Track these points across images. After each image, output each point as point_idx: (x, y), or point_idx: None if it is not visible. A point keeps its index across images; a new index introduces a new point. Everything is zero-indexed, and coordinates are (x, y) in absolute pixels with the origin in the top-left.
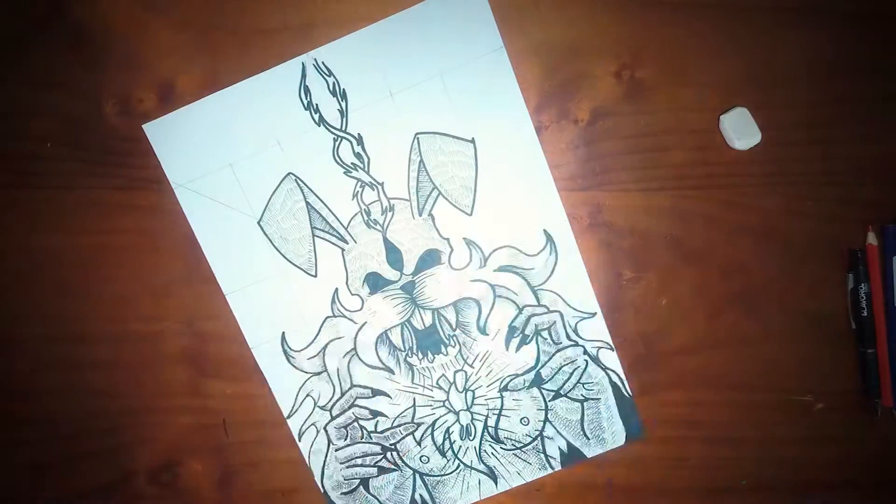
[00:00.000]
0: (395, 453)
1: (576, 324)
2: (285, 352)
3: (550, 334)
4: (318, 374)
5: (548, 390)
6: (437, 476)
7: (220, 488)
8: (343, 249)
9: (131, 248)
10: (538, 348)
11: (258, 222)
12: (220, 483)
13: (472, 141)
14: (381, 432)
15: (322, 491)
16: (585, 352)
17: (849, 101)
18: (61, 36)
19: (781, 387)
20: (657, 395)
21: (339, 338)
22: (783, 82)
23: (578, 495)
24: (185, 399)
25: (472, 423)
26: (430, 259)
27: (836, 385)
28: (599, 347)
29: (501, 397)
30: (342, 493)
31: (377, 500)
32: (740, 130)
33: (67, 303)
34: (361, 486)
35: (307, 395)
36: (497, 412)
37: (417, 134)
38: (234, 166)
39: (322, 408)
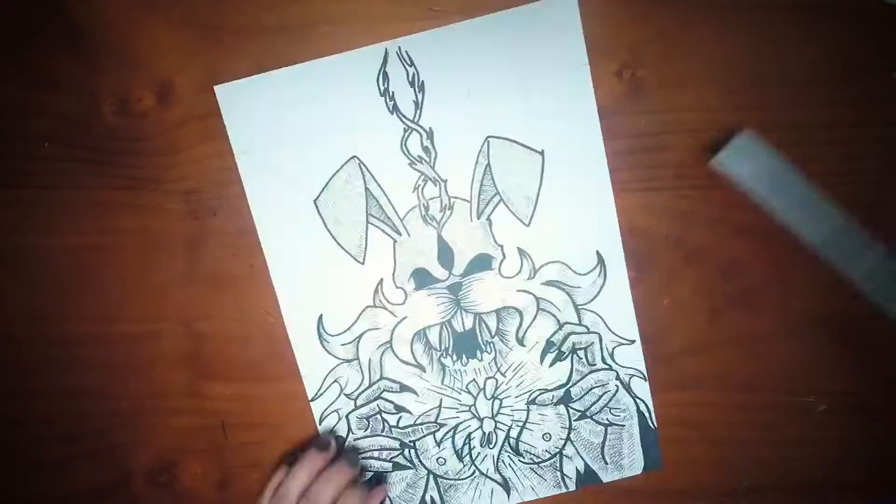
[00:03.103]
0: (412, 451)
1: (613, 348)
2: (320, 334)
3: (586, 355)
4: (349, 361)
5: (574, 410)
6: (451, 480)
7: (218, 490)
8: (395, 241)
9: (129, 249)
10: (572, 367)
11: (314, 201)
12: (219, 484)
13: (542, 153)
14: (403, 428)
15: None
16: (618, 377)
17: (849, 102)
18: (59, 35)
19: (783, 388)
20: (658, 396)
21: (377, 329)
22: (784, 82)
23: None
24: (184, 400)
25: (495, 432)
26: (481, 263)
27: (839, 386)
28: (632, 375)
29: (528, 410)
30: None
31: (386, 495)
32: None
33: (65, 303)
34: (374, 480)
35: (335, 381)
36: (521, 424)
37: (489, 137)
38: (299, 141)
39: (348, 396)
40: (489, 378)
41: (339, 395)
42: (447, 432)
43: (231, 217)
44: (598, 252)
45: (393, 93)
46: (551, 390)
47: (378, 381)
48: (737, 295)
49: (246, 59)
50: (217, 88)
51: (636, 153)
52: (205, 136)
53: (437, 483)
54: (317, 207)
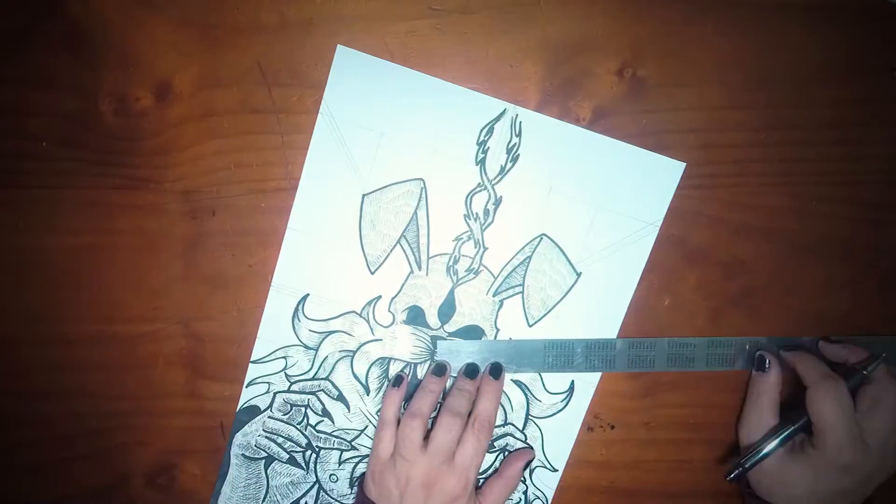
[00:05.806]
0: (314, 455)
1: (535, 467)
2: (296, 310)
3: None
4: (307, 348)
5: None
6: (333, 500)
7: None
8: (411, 272)
9: (127, 249)
10: (493, 462)
11: (364, 194)
12: None
13: (579, 276)
14: (318, 432)
15: (229, 439)
16: (525, 493)
17: (852, 101)
18: (57, 33)
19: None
20: (659, 397)
21: (349, 335)
22: (786, 81)
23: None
24: (182, 401)
25: None
26: (472, 334)
27: None
28: (538, 497)
29: None
30: (243, 455)
31: (267, 480)
32: None
33: (63, 303)
34: (263, 462)
35: (284, 357)
36: None
37: (544, 235)
38: (383, 136)
39: (287, 376)
40: None
41: (281, 371)
42: (354, 457)
43: (230, 217)
44: (572, 382)
45: (488, 148)
46: None
47: (323, 379)
48: (739, 295)
49: (245, 58)
50: (339, 46)
51: None
52: (203, 136)
53: (318, 494)
54: (362, 201)
